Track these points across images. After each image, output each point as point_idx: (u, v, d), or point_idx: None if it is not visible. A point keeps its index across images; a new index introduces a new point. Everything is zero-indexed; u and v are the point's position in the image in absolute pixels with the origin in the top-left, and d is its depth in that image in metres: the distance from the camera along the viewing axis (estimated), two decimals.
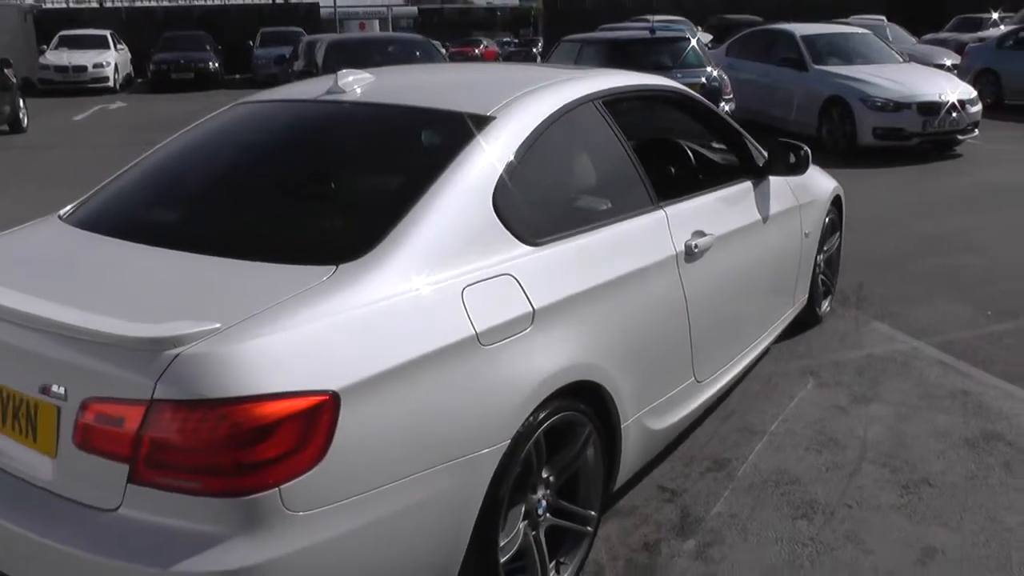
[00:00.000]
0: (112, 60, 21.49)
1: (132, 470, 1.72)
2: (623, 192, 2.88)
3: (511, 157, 2.41)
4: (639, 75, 3.39)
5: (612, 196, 2.84)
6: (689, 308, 2.97)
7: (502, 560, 2.20)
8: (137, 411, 1.69)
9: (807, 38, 11.65)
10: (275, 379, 1.71)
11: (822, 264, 4.67)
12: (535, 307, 2.23)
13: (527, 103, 2.60)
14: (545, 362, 2.24)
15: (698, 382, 3.17)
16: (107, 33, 22.84)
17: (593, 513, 2.59)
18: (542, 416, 2.23)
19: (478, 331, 2.06)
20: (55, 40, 22.06)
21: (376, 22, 54.36)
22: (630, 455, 2.75)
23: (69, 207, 2.82)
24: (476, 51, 36.47)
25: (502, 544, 2.19)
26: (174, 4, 30.53)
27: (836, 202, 4.78)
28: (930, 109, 9.67)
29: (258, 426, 1.67)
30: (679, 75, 9.66)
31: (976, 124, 10.06)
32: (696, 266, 3.01)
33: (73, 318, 1.79)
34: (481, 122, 2.46)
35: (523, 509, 2.30)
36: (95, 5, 30.51)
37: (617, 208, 2.79)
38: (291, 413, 1.69)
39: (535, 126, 2.53)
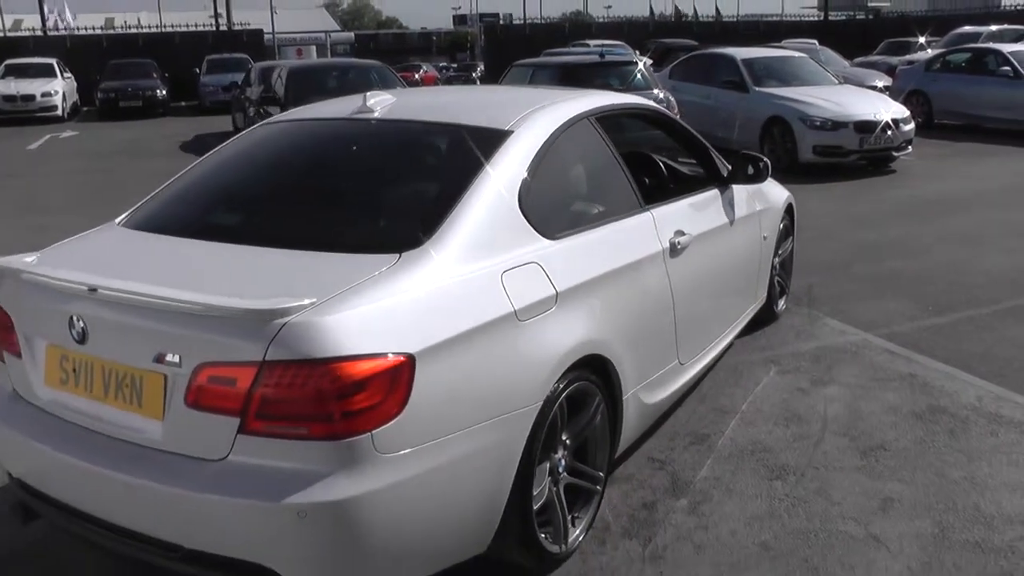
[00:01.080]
0: (60, 89, 21.36)
1: (242, 423, 2.03)
2: (617, 196, 3.28)
3: (528, 164, 2.79)
4: (623, 95, 3.82)
5: (608, 199, 3.25)
6: (674, 298, 3.37)
7: (535, 507, 2.55)
8: (249, 372, 2.00)
9: (747, 61, 12.34)
10: (365, 343, 2.04)
11: (778, 266, 5.14)
12: (558, 290, 2.61)
13: (537, 118, 2.99)
14: (566, 337, 2.61)
15: (680, 364, 3.57)
16: (53, 61, 22.69)
17: (601, 474, 2.96)
18: (564, 384, 2.60)
19: (516, 308, 2.43)
20: (1, 69, 21.83)
21: (313, 48, 54.50)
22: (629, 425, 3.13)
23: (124, 215, 3.10)
24: (416, 76, 36.77)
25: (534, 493, 2.54)
26: (118, 32, 30.30)
27: (789, 210, 5.27)
28: (866, 128, 10.37)
29: (354, 381, 2.00)
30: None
31: (909, 142, 10.80)
32: (678, 261, 3.42)
33: (188, 297, 2.08)
34: (502, 135, 2.85)
35: (548, 466, 2.65)
36: (38, 33, 30.10)
37: (613, 209, 3.20)
38: (379, 371, 2.03)
39: (545, 139, 2.93)
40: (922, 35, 26.94)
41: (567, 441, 2.77)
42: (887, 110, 10.73)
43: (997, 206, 8.74)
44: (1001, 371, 4.47)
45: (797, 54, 13.26)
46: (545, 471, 2.64)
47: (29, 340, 2.50)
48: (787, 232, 5.32)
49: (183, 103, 24.07)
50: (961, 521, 3.09)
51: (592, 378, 2.79)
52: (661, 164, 4.43)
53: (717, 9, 45.82)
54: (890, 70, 19.06)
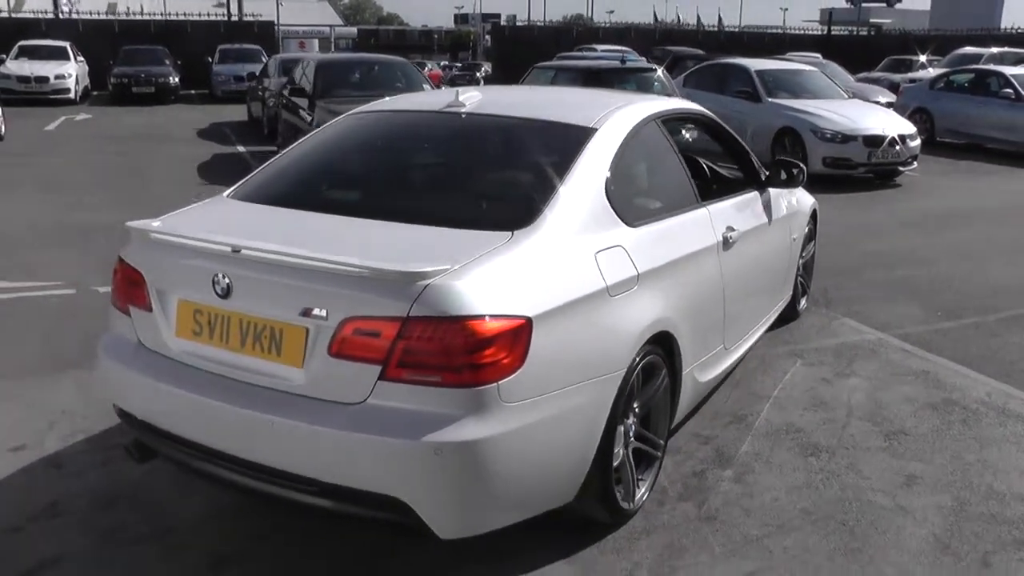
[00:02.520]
0: (73, 72, 21.54)
1: (383, 370, 2.36)
2: (679, 191, 3.64)
3: (611, 158, 3.15)
4: (681, 100, 4.18)
5: (672, 193, 3.61)
6: (724, 287, 3.73)
7: (614, 465, 2.90)
8: (393, 326, 2.33)
9: (761, 72, 12.75)
10: (494, 305, 2.39)
11: (801, 268, 5.51)
12: (639, 271, 2.96)
13: (616, 118, 3.35)
14: (645, 314, 2.97)
15: (725, 349, 3.93)
16: (67, 44, 22.87)
17: (662, 442, 3.31)
18: (641, 355, 2.96)
19: (608, 285, 2.78)
20: (15, 50, 21.99)
21: (316, 41, 54.74)
22: (684, 399, 3.49)
23: (233, 189, 3.42)
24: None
25: (614, 451, 2.89)
26: (131, 18, 30.43)
27: (813, 215, 5.65)
28: (875, 142, 10.78)
29: (485, 337, 2.34)
30: None
31: (915, 157, 11.22)
32: (728, 254, 3.78)
33: (337, 258, 2.40)
34: (588, 132, 3.20)
35: (622, 429, 3.00)
36: (50, 16, 30.22)
37: (677, 203, 3.56)
38: (506, 330, 2.37)
39: (624, 136, 3.28)
40: (923, 53, 27.53)
41: (637, 409, 3.11)
42: (895, 126, 11.15)
43: (998, 222, 9.16)
44: (1007, 371, 4.85)
45: (809, 67, 13.68)
46: (620, 433, 2.98)
47: (161, 295, 2.78)
48: (811, 236, 5.69)
49: (193, 91, 24.30)
50: (977, 497, 3.46)
51: (660, 353, 3.14)
52: (704, 165, 4.80)
53: (720, 18, 46.30)
54: (892, 87, 19.55)
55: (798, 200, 5.19)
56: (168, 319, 2.76)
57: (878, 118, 11.50)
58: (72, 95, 21.17)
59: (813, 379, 4.65)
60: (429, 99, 3.75)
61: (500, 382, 2.37)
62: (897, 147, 10.89)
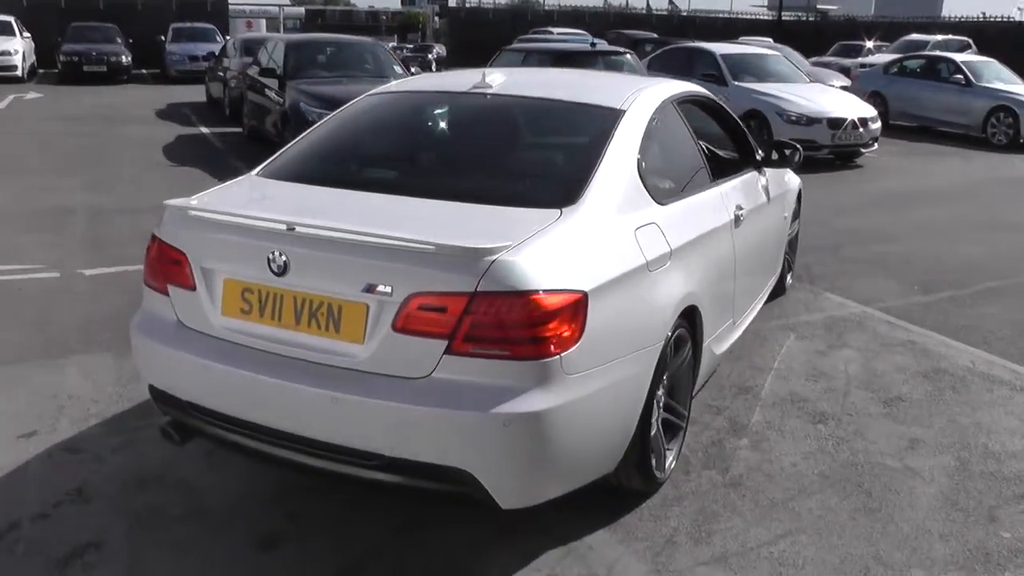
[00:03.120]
0: (19, 48, 20.70)
1: (449, 344, 2.39)
2: (695, 170, 3.73)
3: (640, 139, 3.21)
4: (690, 84, 4.26)
5: (690, 172, 3.69)
6: (735, 264, 3.84)
7: (651, 434, 3.00)
8: (460, 301, 2.36)
9: (726, 56, 12.95)
10: (555, 280, 2.44)
11: (786, 245, 5.67)
12: (671, 248, 3.04)
13: (641, 100, 3.41)
14: (677, 289, 3.06)
15: (734, 323, 4.05)
16: (11, 19, 21.99)
17: (685, 412, 3.42)
18: (674, 328, 3.04)
19: (647, 260, 2.86)
20: None
21: (263, 21, 53.63)
22: (702, 371, 3.59)
23: (261, 167, 3.40)
24: None
25: (652, 420, 2.98)
26: None
27: (799, 195, 5.81)
28: (837, 124, 11.06)
29: (549, 311, 2.39)
30: None
31: (875, 139, 11.54)
32: (738, 232, 3.89)
33: (405, 235, 2.41)
34: (618, 113, 3.26)
35: (655, 401, 3.09)
36: None
37: (695, 182, 3.65)
38: (567, 304, 2.43)
39: (648, 117, 3.36)
40: (870, 39, 28.22)
41: (666, 380, 3.21)
42: (856, 109, 11.45)
43: (958, 201, 9.50)
44: (986, 340, 5.08)
45: (772, 52, 13.94)
46: (654, 404, 3.07)
47: (206, 274, 2.75)
48: (796, 214, 5.85)
49: (144, 71, 23.66)
50: (976, 457, 3.65)
51: (686, 326, 3.24)
52: (704, 146, 4.90)
53: (673, 2, 46.65)
54: (843, 71, 19.97)
55: (787, 179, 5.34)
56: (214, 298, 2.74)
57: (840, 101, 11.79)
58: (19, 72, 20.35)
59: (809, 351, 4.81)
60: (452, 80, 3.76)
61: (562, 354, 2.43)
62: (859, 129, 11.18)
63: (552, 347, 2.41)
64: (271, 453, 2.69)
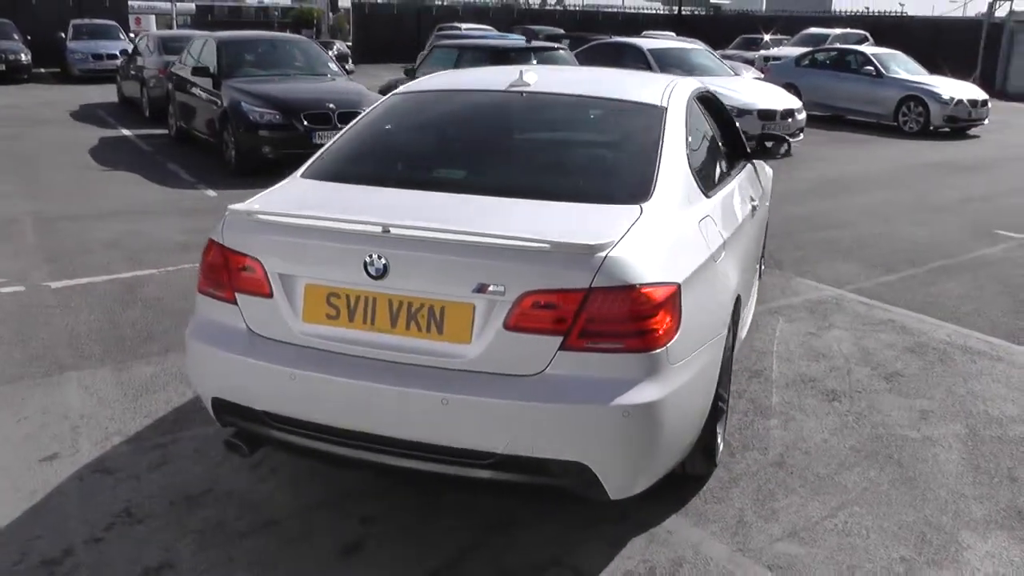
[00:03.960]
0: None
1: (564, 341, 2.40)
2: (720, 163, 3.85)
3: (684, 134, 3.29)
4: (698, 79, 4.37)
5: (718, 165, 3.80)
6: (751, 252, 3.99)
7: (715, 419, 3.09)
8: (575, 297, 2.38)
9: (653, 51, 13.27)
10: (658, 273, 2.48)
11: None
12: (724, 239, 3.14)
13: (675, 96, 3.49)
14: (732, 278, 3.17)
15: (748, 308, 4.20)
16: None
17: (727, 396, 3.53)
18: (732, 315, 3.14)
19: (712, 251, 2.94)
20: None
21: (152, 18, 51.64)
22: (735, 356, 3.71)
23: (304, 169, 3.31)
24: None
25: (718, 405, 3.08)
26: None
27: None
28: (768, 115, 11.50)
29: (657, 303, 2.44)
30: None
31: (801, 129, 12.04)
32: (752, 222, 4.03)
33: (517, 233, 2.41)
34: (661, 110, 3.33)
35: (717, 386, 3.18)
36: None
37: (723, 175, 3.76)
38: (669, 295, 2.48)
39: (685, 113, 3.44)
40: (767, 33, 29.40)
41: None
42: (783, 100, 11.93)
43: (889, 186, 10.03)
44: (954, 315, 5.42)
45: (699, 46, 14.35)
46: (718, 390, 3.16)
47: (285, 280, 2.67)
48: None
49: (42, 69, 22.34)
50: (981, 423, 3.90)
51: (731, 313, 3.35)
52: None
53: None
54: (747, 64, 20.75)
55: (766, 169, 5.55)
56: (294, 304, 2.66)
57: (767, 93, 12.25)
58: None
59: (801, 333, 5.02)
60: (484, 77, 3.74)
61: (668, 345, 2.49)
62: (787, 120, 11.65)
63: (661, 338, 2.46)
64: (362, 458, 2.64)
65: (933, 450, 3.64)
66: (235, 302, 2.76)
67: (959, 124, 14.71)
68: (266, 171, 9.41)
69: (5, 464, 3.37)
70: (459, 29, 28.86)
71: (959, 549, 2.95)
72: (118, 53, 19.05)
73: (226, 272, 2.77)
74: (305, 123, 9.19)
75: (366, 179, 3.12)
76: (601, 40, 15.49)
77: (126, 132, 12.56)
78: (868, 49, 16.60)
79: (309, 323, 2.64)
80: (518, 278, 2.42)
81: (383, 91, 11.54)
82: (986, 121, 15.11)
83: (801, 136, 12.09)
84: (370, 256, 2.50)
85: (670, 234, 2.73)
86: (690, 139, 3.41)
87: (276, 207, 2.82)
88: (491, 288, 2.43)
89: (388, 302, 2.55)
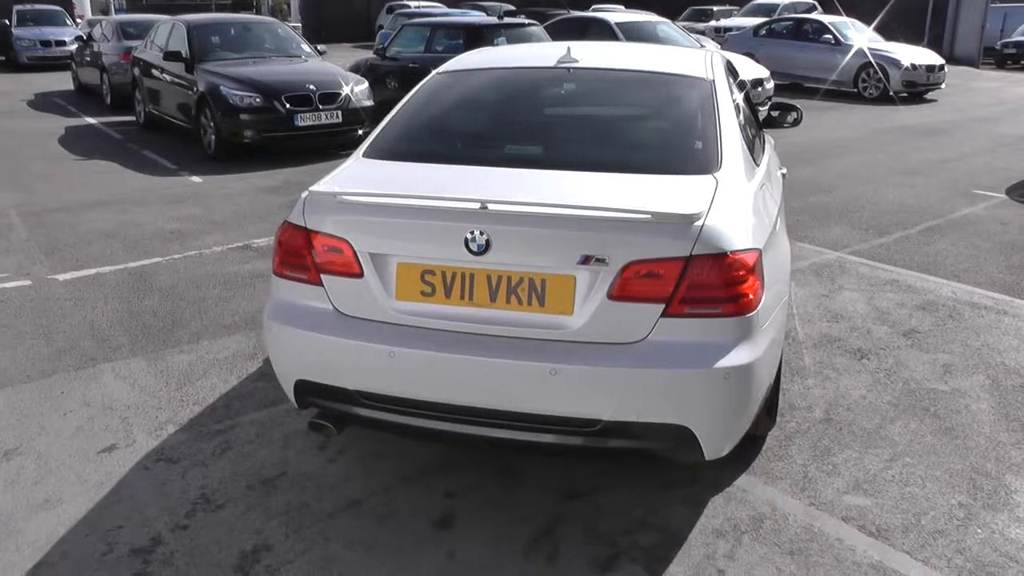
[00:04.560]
0: None
1: (666, 308, 2.47)
2: (757, 133, 3.94)
3: (731, 106, 3.37)
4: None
5: (755, 136, 3.89)
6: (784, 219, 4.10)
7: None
8: (676, 265, 2.45)
9: (620, 24, 13.36)
10: (745, 240, 2.57)
11: None
12: (777, 206, 3.24)
13: (716, 69, 3.57)
14: (785, 243, 3.27)
15: None
16: None
17: None
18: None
19: (772, 219, 3.03)
20: None
21: (87, 2, 50.14)
22: None
23: (367, 148, 3.29)
24: None
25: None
26: None
27: None
28: (739, 86, 11.63)
29: (749, 268, 2.52)
30: None
31: (770, 98, 12.23)
32: (782, 189, 4.14)
33: (619, 205, 2.48)
34: (710, 83, 3.40)
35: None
36: None
37: (760, 146, 3.85)
38: (756, 260, 2.56)
39: (726, 84, 3.52)
40: (716, 4, 29.72)
41: None
42: (754, 70, 12.10)
43: (863, 151, 10.28)
44: (953, 272, 5.64)
45: (660, 20, 14.43)
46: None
47: (376, 259, 2.68)
48: None
49: None
50: (1001, 373, 4.10)
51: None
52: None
53: None
54: (697, 34, 20.96)
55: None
56: (386, 283, 2.67)
57: (736, 64, 12.40)
58: None
59: (815, 296, 5.18)
60: (532, 53, 3.76)
61: (758, 308, 2.58)
62: (758, 88, 11.83)
63: (753, 302, 2.55)
64: (463, 432, 2.68)
65: (964, 401, 3.82)
66: (320, 283, 2.77)
67: (917, 89, 15.10)
68: (246, 155, 9.34)
69: (63, 457, 3.34)
70: (409, 8, 28.58)
71: (1008, 492, 3.12)
72: (67, 40, 18.46)
73: (309, 254, 2.77)
74: (287, 105, 9.08)
75: (437, 157, 3.14)
76: (567, 15, 15.48)
77: (91, 120, 12.23)
78: (825, 18, 16.89)
79: (402, 301, 2.67)
80: (621, 249, 2.48)
81: (353, 70, 11.43)
82: (943, 85, 15.54)
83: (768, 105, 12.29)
84: (471, 233, 2.53)
85: (744, 202, 2.81)
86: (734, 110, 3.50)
87: (359, 187, 2.82)
88: (595, 259, 2.49)
89: (487, 277, 2.58)
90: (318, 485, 3.14)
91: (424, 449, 3.34)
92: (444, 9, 24.52)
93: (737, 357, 2.51)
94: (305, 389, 2.86)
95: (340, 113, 9.47)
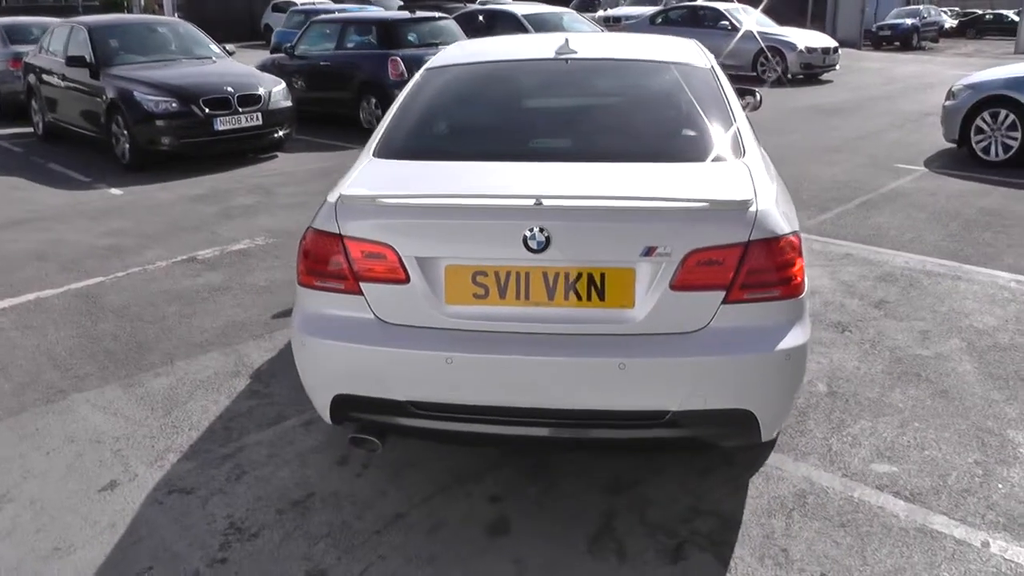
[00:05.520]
0: None
1: (726, 295, 2.47)
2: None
3: (733, 93, 3.41)
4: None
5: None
6: None
7: None
8: (736, 252, 2.45)
9: (528, 16, 13.49)
10: (791, 224, 2.60)
11: None
12: (782, 188, 3.29)
13: (709, 56, 3.64)
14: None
15: None
16: None
17: None
18: None
19: (787, 204, 3.08)
20: None
21: None
22: None
23: (377, 148, 3.13)
24: None
25: None
26: None
27: None
28: None
29: (798, 251, 2.55)
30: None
31: None
32: None
33: (677, 195, 2.48)
34: (711, 72, 3.46)
35: None
36: None
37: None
38: (799, 243, 2.60)
39: (722, 73, 3.57)
40: None
41: None
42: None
43: (779, 132, 10.63)
44: (900, 243, 5.91)
45: (566, 10, 14.64)
46: None
47: (423, 264, 2.57)
48: None
49: None
50: (973, 335, 4.33)
51: None
52: None
53: None
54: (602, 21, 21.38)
55: None
56: (435, 287, 2.57)
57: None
58: None
59: None
60: (526, 46, 3.70)
61: (806, 289, 2.63)
62: None
63: (802, 284, 2.59)
64: (524, 435, 2.62)
65: (949, 364, 4.01)
66: (359, 292, 2.64)
67: (814, 71, 15.80)
68: (164, 163, 8.89)
69: (60, 500, 3.09)
70: (295, 5, 27.83)
71: (1014, 447, 3.29)
72: None
73: (346, 262, 2.64)
74: (205, 109, 8.68)
75: (459, 155, 3.05)
76: (473, 8, 15.42)
77: None
78: (719, 4, 17.43)
79: (453, 305, 2.57)
80: (682, 238, 2.47)
81: (260, 70, 10.98)
82: (838, 67, 16.30)
83: None
84: (530, 230, 2.46)
85: (774, 187, 2.85)
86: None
87: (391, 189, 2.71)
88: (659, 250, 2.47)
89: (543, 275, 2.52)
90: (353, 503, 3.01)
91: (453, 456, 3.25)
92: (339, 6, 23.98)
93: (794, 338, 2.54)
94: (344, 403, 2.73)
95: (260, 115, 9.13)
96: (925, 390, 3.75)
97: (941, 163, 8.55)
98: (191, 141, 8.71)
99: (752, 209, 2.51)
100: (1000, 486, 3.04)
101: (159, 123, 8.54)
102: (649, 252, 2.48)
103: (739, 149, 2.96)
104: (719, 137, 3.05)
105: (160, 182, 8.31)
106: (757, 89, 5.23)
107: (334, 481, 3.15)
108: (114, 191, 8.01)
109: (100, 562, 2.75)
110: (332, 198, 2.74)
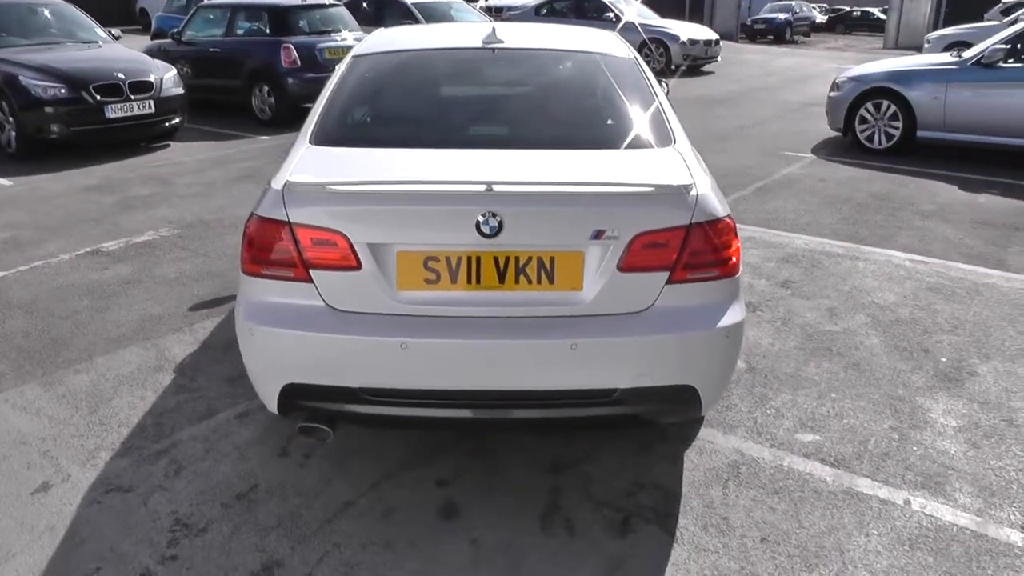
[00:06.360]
0: None
1: (670, 275, 2.58)
2: None
3: (655, 81, 3.54)
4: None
5: None
6: None
7: None
8: (679, 234, 2.56)
9: (417, 5, 13.62)
10: (725, 206, 2.74)
11: None
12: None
13: (630, 47, 3.76)
14: None
15: None
16: None
17: None
18: None
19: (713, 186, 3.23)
20: None
21: None
22: None
23: (312, 135, 3.08)
24: None
25: None
26: None
27: None
28: None
29: (733, 232, 2.69)
30: (339, 38, 10.80)
31: None
32: None
33: (623, 180, 2.56)
34: (631, 61, 3.58)
35: None
36: None
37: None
38: (734, 225, 2.74)
39: (643, 62, 3.71)
40: None
41: None
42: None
43: None
44: (797, 225, 6.25)
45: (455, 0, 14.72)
46: None
47: (375, 250, 2.57)
48: None
49: None
50: (876, 311, 4.65)
51: None
52: None
53: None
54: (487, 12, 21.44)
55: None
56: (387, 274, 2.57)
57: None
58: None
59: None
60: (454, 34, 3.71)
61: (740, 270, 2.78)
62: None
63: (737, 264, 2.74)
64: (478, 417, 2.67)
65: (857, 338, 4.30)
66: (308, 279, 2.62)
67: (697, 62, 16.36)
68: (53, 152, 8.42)
69: None
70: None
71: (923, 412, 3.57)
72: None
73: (295, 249, 2.61)
74: (96, 96, 8.26)
75: (397, 142, 3.04)
76: None
77: None
78: None
79: (405, 290, 2.59)
80: (630, 222, 2.57)
81: (148, 54, 10.52)
82: (719, 59, 16.93)
83: None
84: (483, 215, 2.50)
85: (704, 171, 2.99)
86: None
87: (336, 176, 2.69)
88: (607, 234, 2.56)
89: (493, 259, 2.57)
90: (299, 493, 2.99)
91: (397, 441, 3.27)
92: None
93: (732, 316, 2.69)
94: (294, 392, 2.70)
95: (152, 103, 8.77)
96: (838, 363, 4.02)
97: (828, 151, 9.06)
98: (81, 129, 8.28)
99: (693, 193, 2.64)
100: (915, 448, 3.30)
101: (47, 110, 8.07)
102: (598, 235, 2.57)
103: (670, 136, 3.09)
104: (651, 125, 3.17)
105: (51, 172, 7.88)
106: (664, 80, 5.39)
107: (277, 472, 3.12)
108: (3, 181, 7.54)
109: (43, 566, 2.63)
110: (277, 185, 2.71)
